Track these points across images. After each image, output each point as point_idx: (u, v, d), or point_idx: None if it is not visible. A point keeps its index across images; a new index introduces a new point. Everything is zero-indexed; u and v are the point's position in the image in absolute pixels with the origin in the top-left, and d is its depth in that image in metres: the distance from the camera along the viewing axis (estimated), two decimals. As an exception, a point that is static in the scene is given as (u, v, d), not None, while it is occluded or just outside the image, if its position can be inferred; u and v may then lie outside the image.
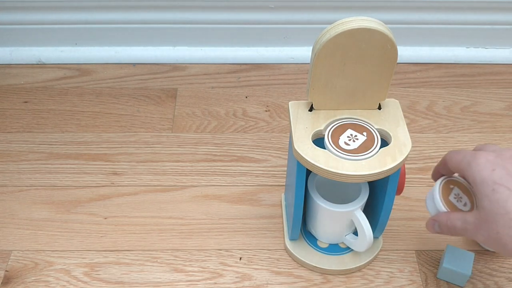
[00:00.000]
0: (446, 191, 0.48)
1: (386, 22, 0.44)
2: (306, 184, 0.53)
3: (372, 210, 0.55)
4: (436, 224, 0.47)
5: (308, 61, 0.85)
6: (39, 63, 0.84)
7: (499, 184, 0.40)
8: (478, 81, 0.82)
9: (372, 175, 0.45)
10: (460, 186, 0.48)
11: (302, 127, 0.48)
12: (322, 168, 0.45)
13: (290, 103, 0.50)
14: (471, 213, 0.44)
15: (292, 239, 0.58)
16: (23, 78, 0.82)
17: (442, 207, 0.47)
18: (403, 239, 0.60)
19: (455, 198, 0.48)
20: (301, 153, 0.46)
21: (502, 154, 0.43)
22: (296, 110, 0.50)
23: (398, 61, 0.46)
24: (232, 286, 0.56)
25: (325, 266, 0.56)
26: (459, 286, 0.56)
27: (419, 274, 0.57)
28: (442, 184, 0.49)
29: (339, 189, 0.56)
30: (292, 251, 0.58)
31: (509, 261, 0.58)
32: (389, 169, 0.45)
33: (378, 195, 0.53)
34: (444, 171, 0.49)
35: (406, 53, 0.84)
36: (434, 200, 0.48)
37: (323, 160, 0.45)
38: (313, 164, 0.45)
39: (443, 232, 0.47)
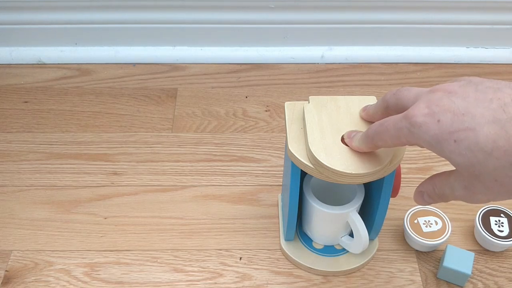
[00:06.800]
0: None
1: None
2: (302, 185, 0.53)
3: (368, 212, 0.55)
4: (425, 195, 0.41)
5: (308, 61, 0.85)
6: (39, 63, 0.84)
7: (456, 131, 0.34)
8: (478, 81, 0.82)
9: (366, 175, 0.43)
10: None
11: (297, 128, 0.48)
12: (315, 169, 0.45)
13: (286, 103, 0.50)
14: (454, 176, 0.37)
15: (287, 239, 0.58)
16: (23, 78, 0.82)
17: None
18: (403, 239, 0.60)
19: None
20: (295, 154, 0.46)
21: (429, 99, 0.36)
22: (292, 110, 0.50)
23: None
24: (232, 286, 0.56)
25: (320, 267, 0.56)
26: (459, 286, 0.56)
27: (419, 274, 0.57)
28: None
29: (335, 191, 0.56)
30: (287, 252, 0.58)
31: (509, 261, 0.58)
32: (384, 170, 0.44)
33: (373, 197, 0.53)
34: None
35: (406, 53, 0.83)
36: None
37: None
38: (307, 165, 0.45)
39: (436, 201, 0.41)
